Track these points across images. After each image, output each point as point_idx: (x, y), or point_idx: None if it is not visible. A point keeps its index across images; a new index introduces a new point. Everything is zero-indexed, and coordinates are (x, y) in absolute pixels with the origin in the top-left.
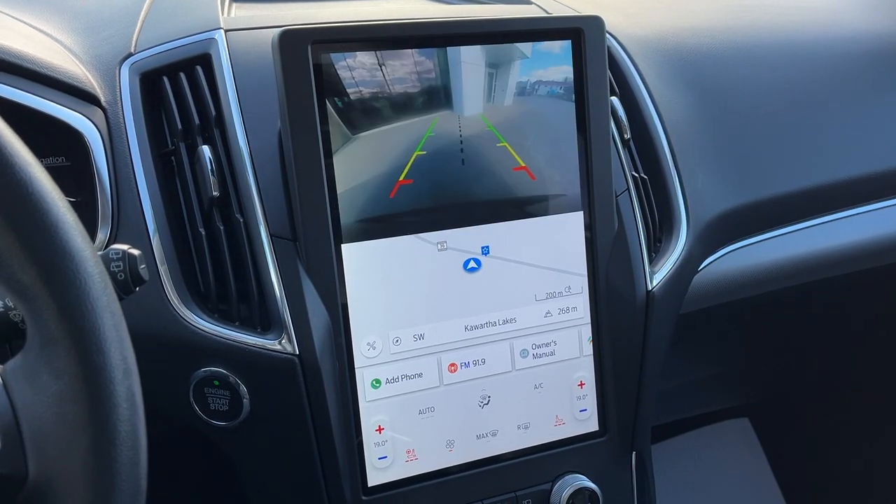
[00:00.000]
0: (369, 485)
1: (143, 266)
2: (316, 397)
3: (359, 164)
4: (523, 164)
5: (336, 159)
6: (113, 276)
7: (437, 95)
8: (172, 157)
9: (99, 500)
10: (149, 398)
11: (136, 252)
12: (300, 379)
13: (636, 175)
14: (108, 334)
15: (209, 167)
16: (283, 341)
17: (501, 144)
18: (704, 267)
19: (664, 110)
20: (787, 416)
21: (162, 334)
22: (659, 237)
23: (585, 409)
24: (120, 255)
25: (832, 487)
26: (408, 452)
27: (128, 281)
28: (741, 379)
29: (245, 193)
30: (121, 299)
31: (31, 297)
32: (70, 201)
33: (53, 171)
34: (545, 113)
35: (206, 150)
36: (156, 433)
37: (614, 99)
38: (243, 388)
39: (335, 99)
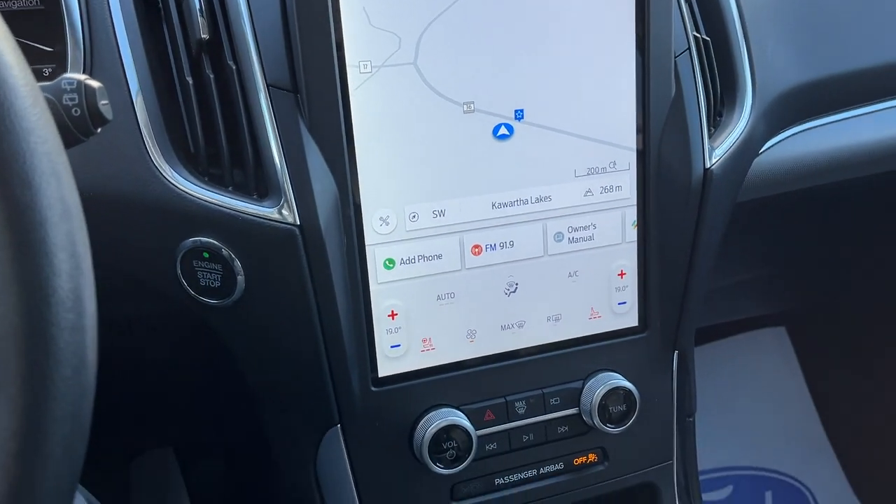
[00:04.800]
0: (380, 375)
1: (104, 102)
2: (320, 276)
3: None
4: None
5: None
6: (66, 110)
7: None
8: None
9: (34, 372)
10: (132, 271)
11: (95, 84)
12: (301, 253)
13: (697, 36)
14: (37, 164)
15: (198, 5)
16: (283, 209)
17: None
18: (767, 149)
19: None
20: (826, 327)
21: (144, 198)
22: (720, 110)
23: (625, 302)
24: (74, 86)
25: (866, 407)
26: (423, 341)
27: (85, 118)
28: (782, 284)
29: (239, 36)
30: (79, 142)
31: None
32: (45, 50)
33: (24, 16)
34: None
35: None
36: (147, 313)
37: None
38: (237, 264)
39: None
